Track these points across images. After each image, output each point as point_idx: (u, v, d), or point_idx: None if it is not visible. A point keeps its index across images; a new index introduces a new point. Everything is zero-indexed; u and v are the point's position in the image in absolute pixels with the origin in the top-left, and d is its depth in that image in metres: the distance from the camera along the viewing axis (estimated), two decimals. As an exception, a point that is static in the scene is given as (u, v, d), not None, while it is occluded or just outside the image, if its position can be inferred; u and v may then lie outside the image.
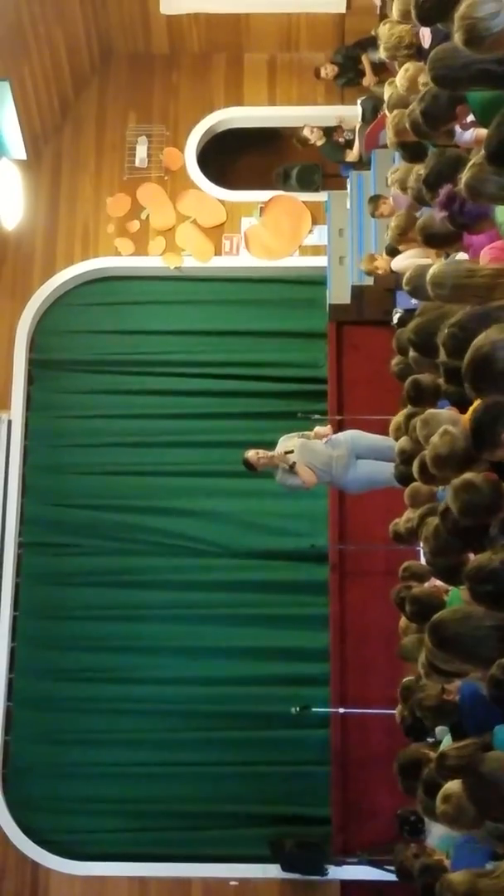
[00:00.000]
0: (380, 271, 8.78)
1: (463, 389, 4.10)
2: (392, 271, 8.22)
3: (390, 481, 7.40)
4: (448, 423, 4.89)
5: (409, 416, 6.12)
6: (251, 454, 8.63)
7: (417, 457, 5.37)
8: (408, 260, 7.50)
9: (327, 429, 8.94)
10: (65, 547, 10.79)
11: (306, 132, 11.05)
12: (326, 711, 9.69)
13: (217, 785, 9.99)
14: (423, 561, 6.37)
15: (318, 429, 8.91)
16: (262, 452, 8.61)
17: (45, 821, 10.07)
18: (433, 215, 5.38)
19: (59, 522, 10.83)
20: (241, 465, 8.71)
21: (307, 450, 8.65)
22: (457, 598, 5.55)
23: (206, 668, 10.28)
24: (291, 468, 8.52)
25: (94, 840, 10.00)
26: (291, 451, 8.59)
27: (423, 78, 5.54)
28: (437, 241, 5.69)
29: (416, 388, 5.98)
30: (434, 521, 5.16)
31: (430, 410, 5.36)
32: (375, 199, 8.97)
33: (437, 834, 5.94)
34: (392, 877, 8.43)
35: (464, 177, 4.54)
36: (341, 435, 8.90)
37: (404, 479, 6.43)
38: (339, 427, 9.54)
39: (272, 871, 9.58)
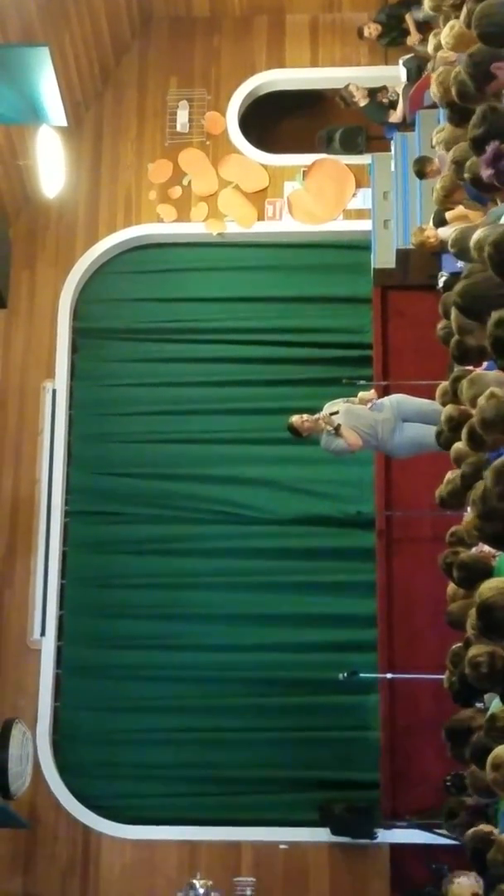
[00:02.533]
0: (432, 241, 8.63)
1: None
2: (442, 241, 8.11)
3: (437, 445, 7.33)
4: (494, 384, 4.82)
5: (456, 379, 6.05)
6: (296, 419, 8.56)
7: (466, 424, 5.29)
8: (455, 228, 7.40)
9: (371, 393, 8.84)
10: (111, 515, 10.81)
11: (351, 88, 10.90)
12: (374, 677, 9.67)
13: (266, 750, 10.02)
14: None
15: (362, 394, 8.81)
16: (306, 416, 8.54)
17: (97, 786, 10.15)
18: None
19: (105, 491, 10.85)
20: (286, 431, 8.66)
21: (352, 414, 8.57)
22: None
23: (254, 635, 10.30)
24: (336, 431, 8.43)
25: (144, 805, 10.08)
26: (336, 413, 8.52)
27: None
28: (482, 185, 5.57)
29: (461, 349, 5.90)
30: (482, 484, 5.10)
31: (477, 371, 5.29)
32: (422, 161, 8.81)
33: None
34: (441, 840, 8.48)
35: None
36: (386, 399, 8.80)
37: (449, 444, 6.36)
38: (384, 393, 9.47)
39: (321, 834, 9.61)
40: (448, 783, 6.53)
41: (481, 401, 4.67)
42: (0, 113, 9.16)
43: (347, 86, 10.92)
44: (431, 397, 7.29)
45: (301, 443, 8.96)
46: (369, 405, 8.64)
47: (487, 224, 5.44)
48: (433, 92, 6.73)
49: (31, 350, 11.07)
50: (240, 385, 11.02)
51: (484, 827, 5.38)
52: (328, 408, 8.63)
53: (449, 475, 6.47)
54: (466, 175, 5.73)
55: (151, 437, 10.93)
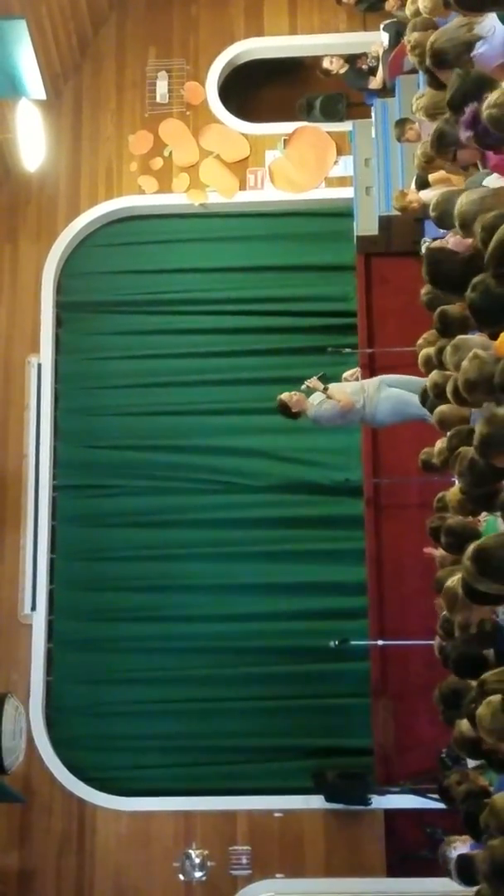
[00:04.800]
0: (414, 205, 8.62)
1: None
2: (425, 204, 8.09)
3: (420, 410, 7.37)
4: (479, 348, 4.83)
5: (440, 350, 6.06)
6: (285, 395, 8.72)
7: (450, 381, 5.31)
8: (437, 192, 7.38)
9: (354, 370, 8.97)
10: (99, 488, 10.82)
11: (326, 63, 10.86)
12: (365, 644, 9.70)
13: (258, 719, 10.07)
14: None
15: (345, 374, 8.99)
16: (295, 393, 8.64)
17: (90, 759, 10.19)
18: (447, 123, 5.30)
19: (93, 464, 10.85)
20: (276, 407, 8.74)
21: (338, 384, 8.76)
22: (492, 527, 5.52)
23: (244, 605, 10.34)
24: (325, 390, 8.52)
25: (138, 776, 10.14)
26: (323, 375, 8.65)
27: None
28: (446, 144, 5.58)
29: (444, 320, 5.90)
30: (468, 452, 5.12)
31: (461, 336, 5.30)
32: (402, 123, 8.81)
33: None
34: (435, 804, 8.53)
35: (486, 110, 4.45)
36: (371, 378, 8.98)
37: (434, 409, 6.40)
38: (370, 360, 9.51)
39: (315, 802, 9.67)
40: (443, 756, 6.59)
41: (465, 363, 4.68)
42: (-22, 87, 9.11)
43: (321, 63, 10.87)
44: (417, 364, 7.30)
45: (291, 420, 8.95)
46: (353, 377, 8.78)
47: (469, 188, 5.42)
48: (411, 57, 6.69)
49: (16, 325, 11.04)
50: (225, 356, 10.99)
51: (478, 780, 5.41)
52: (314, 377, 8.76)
53: (440, 443, 6.49)
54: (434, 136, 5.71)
55: (137, 410, 10.92)
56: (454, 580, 5.42)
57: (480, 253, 4.53)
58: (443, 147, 5.54)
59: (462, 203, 4.88)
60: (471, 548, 4.28)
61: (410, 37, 6.61)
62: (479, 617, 5.30)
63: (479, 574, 4.25)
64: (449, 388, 5.38)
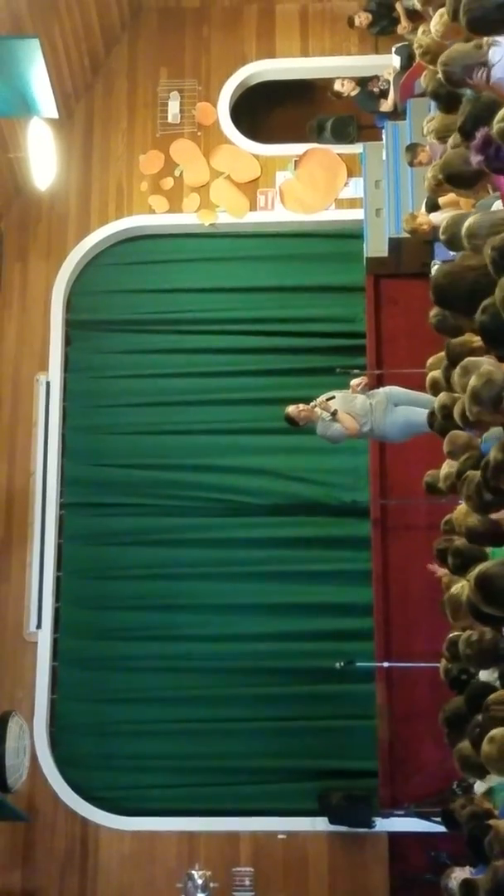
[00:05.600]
0: (424, 227, 8.64)
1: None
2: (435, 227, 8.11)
3: (426, 428, 7.39)
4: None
5: (449, 370, 6.06)
6: (292, 409, 8.77)
7: (457, 403, 5.31)
8: (446, 214, 7.40)
9: (361, 379, 8.99)
10: (106, 507, 10.81)
11: (337, 86, 10.91)
12: (371, 666, 9.68)
13: (263, 740, 10.04)
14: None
15: (352, 382, 8.98)
16: (302, 406, 8.75)
17: (94, 778, 10.16)
18: (456, 154, 5.31)
19: (100, 483, 10.85)
20: (283, 420, 8.84)
21: (347, 399, 8.83)
22: (500, 550, 5.51)
23: (250, 625, 10.32)
24: (333, 416, 8.58)
25: (142, 796, 10.09)
26: (333, 398, 8.69)
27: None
28: (457, 181, 5.61)
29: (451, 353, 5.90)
30: (475, 476, 5.12)
31: (470, 358, 5.30)
32: (413, 148, 8.84)
33: (485, 784, 5.94)
34: (439, 828, 8.50)
35: (496, 123, 4.46)
36: (379, 389, 9.00)
37: (442, 430, 6.39)
38: (377, 381, 9.52)
39: (320, 824, 9.63)
40: (454, 787, 6.56)
41: (473, 380, 4.69)
42: (-9, 106, 9.16)
43: (333, 85, 10.92)
44: (425, 385, 7.30)
45: (297, 432, 9.07)
46: (360, 388, 8.80)
47: (478, 212, 5.44)
48: (423, 82, 6.72)
49: (25, 342, 11.06)
50: (233, 375, 11.01)
51: (483, 803, 5.39)
52: (323, 396, 8.81)
53: (447, 467, 6.48)
54: (442, 174, 5.74)
55: (146, 429, 10.93)
56: (458, 587, 5.42)
57: (488, 274, 4.53)
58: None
59: (474, 219, 4.88)
60: (475, 573, 4.26)
61: (420, 41, 6.64)
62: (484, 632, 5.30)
63: (483, 601, 4.23)
64: (457, 412, 5.38)
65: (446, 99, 6.14)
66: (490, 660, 5.39)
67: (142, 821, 9.93)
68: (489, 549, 5.71)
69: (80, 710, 10.29)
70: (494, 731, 4.55)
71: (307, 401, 8.84)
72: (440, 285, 5.22)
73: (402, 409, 8.78)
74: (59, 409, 10.90)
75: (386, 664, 9.62)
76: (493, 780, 5.72)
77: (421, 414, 7.80)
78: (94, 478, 10.87)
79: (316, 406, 8.72)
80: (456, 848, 7.31)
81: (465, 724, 5.69)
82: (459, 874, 5.68)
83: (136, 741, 10.18)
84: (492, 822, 5.10)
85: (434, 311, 6.86)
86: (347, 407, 8.72)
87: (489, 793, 5.84)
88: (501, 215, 4.73)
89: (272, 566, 10.48)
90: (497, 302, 4.38)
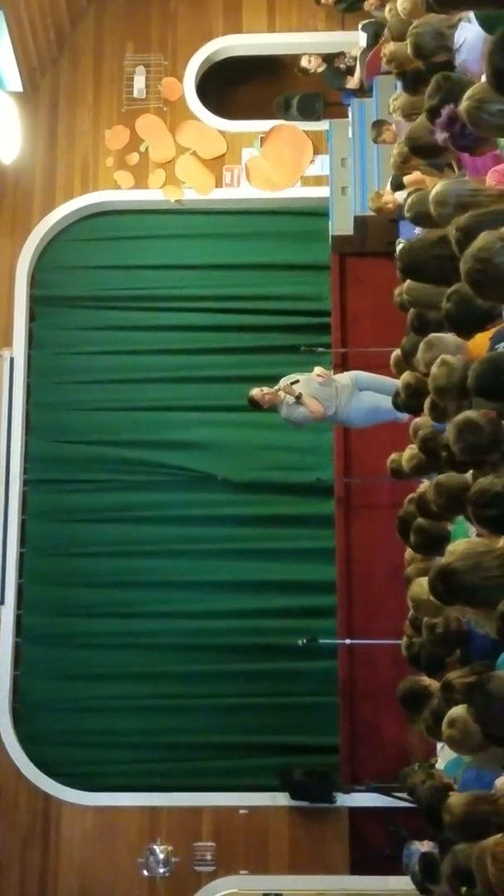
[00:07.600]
0: (390, 206, 8.65)
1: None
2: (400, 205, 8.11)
3: (392, 412, 7.42)
4: (452, 346, 4.86)
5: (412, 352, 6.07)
6: (256, 392, 8.73)
7: (428, 397, 5.32)
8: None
9: (326, 373, 8.93)
10: (70, 483, 10.79)
11: (304, 62, 10.86)
12: (333, 643, 9.74)
13: (226, 716, 10.08)
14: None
15: (318, 368, 8.93)
16: (266, 389, 8.72)
17: (57, 754, 10.17)
18: (422, 124, 5.32)
19: (64, 459, 10.82)
20: (247, 403, 8.76)
21: (311, 383, 8.77)
22: (462, 531, 5.54)
23: (214, 602, 10.34)
24: (298, 399, 8.55)
25: (105, 772, 10.12)
26: (297, 382, 8.65)
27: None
28: (422, 152, 5.62)
29: (420, 319, 5.92)
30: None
31: (434, 334, 5.31)
32: (379, 125, 8.84)
33: (445, 758, 5.99)
34: (399, 804, 8.57)
35: (464, 101, 4.46)
36: (344, 373, 8.96)
37: (407, 408, 6.42)
38: (342, 360, 9.53)
39: (281, 799, 9.70)
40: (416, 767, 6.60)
41: (434, 369, 4.71)
42: (-46, 78, 9.08)
43: (299, 62, 10.88)
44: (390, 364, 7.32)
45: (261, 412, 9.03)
46: (322, 381, 8.74)
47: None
48: (387, 66, 6.72)
49: (-11, 318, 11.00)
50: (198, 353, 10.99)
51: (443, 778, 5.44)
52: (287, 379, 8.77)
53: (411, 451, 6.48)
54: (408, 146, 5.76)
55: (110, 405, 10.90)
56: (422, 584, 5.42)
57: (448, 242, 4.52)
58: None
59: (442, 185, 4.84)
60: (438, 568, 4.21)
61: (386, 49, 6.64)
62: (447, 617, 5.33)
63: (447, 596, 4.22)
64: (426, 405, 5.41)
65: (412, 79, 6.15)
66: (453, 644, 5.44)
67: (104, 796, 9.96)
68: (451, 528, 5.74)
69: (43, 687, 10.30)
70: (454, 714, 4.57)
71: (271, 379, 8.83)
72: (406, 251, 5.23)
73: (367, 394, 8.78)
74: (23, 385, 10.84)
75: (348, 641, 9.68)
76: (446, 756, 5.79)
77: (387, 401, 7.80)
78: (57, 454, 10.84)
79: (280, 390, 8.69)
80: (415, 823, 7.37)
81: (420, 701, 5.75)
82: (419, 847, 5.74)
83: (98, 717, 10.19)
84: (451, 793, 5.15)
85: (398, 290, 6.88)
86: (312, 389, 8.71)
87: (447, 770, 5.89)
88: (471, 185, 4.72)
89: (235, 543, 10.50)
90: (461, 288, 4.39)
